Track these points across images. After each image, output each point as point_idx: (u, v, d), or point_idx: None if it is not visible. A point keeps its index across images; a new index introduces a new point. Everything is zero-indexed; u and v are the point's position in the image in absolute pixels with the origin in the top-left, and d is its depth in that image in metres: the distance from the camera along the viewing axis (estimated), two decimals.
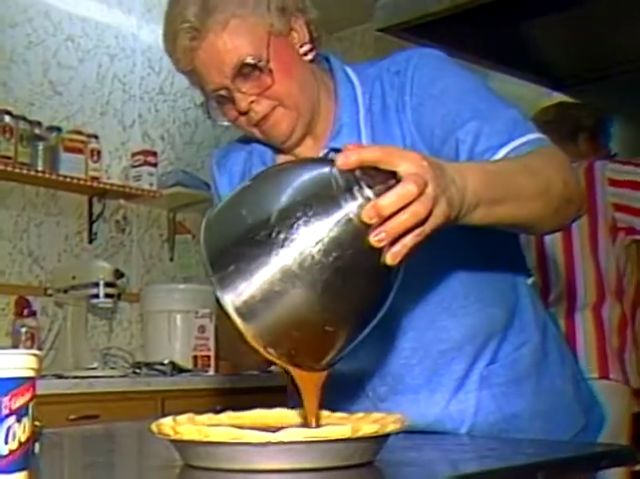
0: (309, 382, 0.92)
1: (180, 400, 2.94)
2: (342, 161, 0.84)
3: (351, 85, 1.29)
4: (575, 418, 1.32)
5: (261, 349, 0.87)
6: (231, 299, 0.85)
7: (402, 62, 1.25)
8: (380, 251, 0.84)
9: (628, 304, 2.34)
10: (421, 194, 0.82)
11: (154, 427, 0.92)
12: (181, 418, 0.97)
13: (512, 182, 1.00)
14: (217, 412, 1.04)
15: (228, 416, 1.04)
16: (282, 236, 0.84)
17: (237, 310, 0.85)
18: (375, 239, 0.83)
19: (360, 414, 1.00)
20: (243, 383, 3.20)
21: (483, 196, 0.94)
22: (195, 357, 3.33)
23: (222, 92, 1.24)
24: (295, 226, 0.84)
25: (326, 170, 0.87)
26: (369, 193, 0.84)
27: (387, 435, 0.89)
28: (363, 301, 0.89)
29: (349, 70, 1.31)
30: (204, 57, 1.22)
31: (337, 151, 1.26)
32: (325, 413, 1.03)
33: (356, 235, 0.84)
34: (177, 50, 1.24)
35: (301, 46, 1.26)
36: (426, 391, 1.24)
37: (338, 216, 0.84)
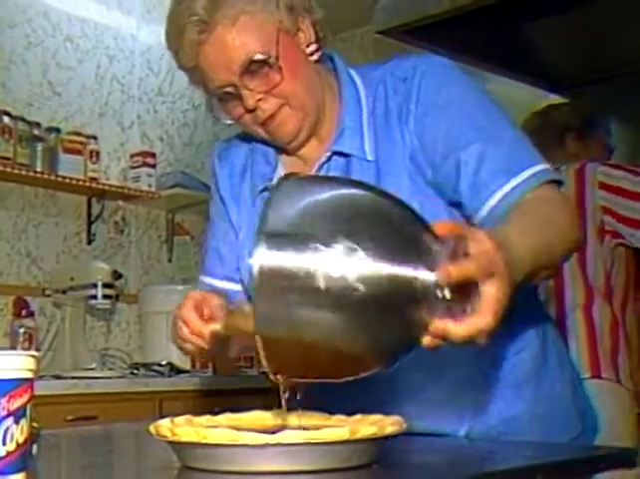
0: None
1: (178, 401, 2.94)
2: (443, 278, 0.84)
3: (354, 87, 1.28)
4: (573, 422, 1.32)
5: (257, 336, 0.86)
6: (261, 269, 0.84)
7: (409, 69, 1.24)
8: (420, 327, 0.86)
9: (617, 305, 2.35)
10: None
11: (151, 429, 0.92)
12: (179, 420, 0.97)
13: (549, 256, 1.06)
14: (215, 414, 1.04)
15: (226, 418, 1.04)
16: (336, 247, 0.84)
17: (259, 280, 0.84)
18: (429, 343, 0.88)
19: (358, 416, 1.00)
20: (241, 384, 3.20)
21: (526, 278, 0.98)
22: (194, 358, 3.32)
23: (228, 89, 1.23)
24: (360, 248, 0.84)
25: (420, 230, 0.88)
26: (441, 305, 0.85)
27: (385, 437, 0.89)
28: (377, 354, 0.89)
29: (353, 72, 1.30)
30: (211, 52, 1.21)
31: (340, 154, 1.25)
32: (324, 415, 1.03)
33: (412, 305, 0.85)
34: (184, 44, 1.22)
35: (307, 46, 1.26)
36: (425, 394, 1.24)
37: (405, 276, 0.84)
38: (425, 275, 0.85)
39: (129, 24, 3.74)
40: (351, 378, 0.92)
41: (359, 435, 0.85)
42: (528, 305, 1.30)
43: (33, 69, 3.41)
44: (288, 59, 1.21)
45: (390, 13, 2.72)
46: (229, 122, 1.29)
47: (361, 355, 0.88)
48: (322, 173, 1.27)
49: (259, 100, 1.22)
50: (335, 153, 1.26)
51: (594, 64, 3.01)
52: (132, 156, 3.60)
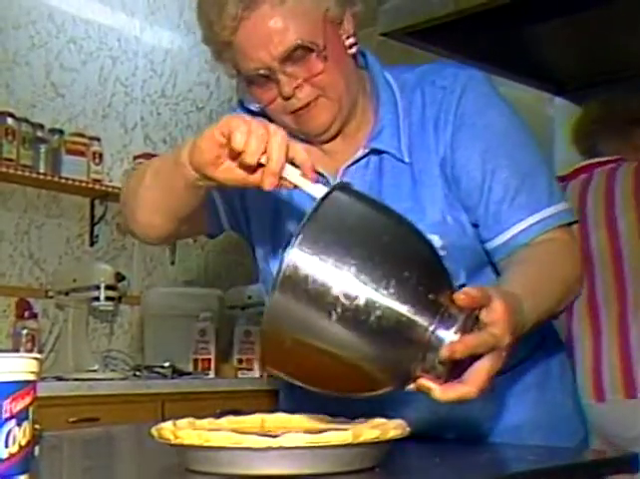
0: None
1: (181, 403, 2.94)
2: (447, 354, 0.86)
3: (390, 88, 1.25)
4: (576, 430, 1.32)
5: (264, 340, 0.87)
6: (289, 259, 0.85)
7: (449, 77, 1.22)
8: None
9: None
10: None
11: (154, 431, 0.92)
12: (182, 422, 0.97)
13: (553, 310, 1.09)
14: (218, 416, 1.04)
15: (229, 420, 1.04)
16: (366, 273, 0.85)
17: (285, 272, 0.85)
18: (415, 388, 0.90)
19: (361, 420, 1.00)
20: (243, 387, 3.20)
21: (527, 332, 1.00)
22: (196, 361, 3.32)
23: (264, 71, 1.16)
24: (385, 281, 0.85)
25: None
26: (441, 370, 0.87)
27: (388, 441, 0.89)
28: (367, 380, 0.90)
29: (387, 74, 1.27)
30: (253, 31, 1.14)
31: (377, 152, 1.23)
32: (326, 418, 1.03)
33: (415, 346, 0.86)
34: (224, 17, 1.13)
35: (347, 38, 1.21)
36: (426, 400, 1.23)
37: (414, 337, 0.86)
38: (435, 334, 0.86)
39: (132, 26, 3.74)
40: (339, 394, 0.94)
41: (362, 439, 0.85)
42: None
43: (36, 70, 3.41)
44: (332, 49, 1.17)
45: (394, 15, 2.72)
46: (255, 108, 1.23)
47: (353, 378, 0.89)
48: (354, 169, 1.23)
49: (297, 87, 1.16)
50: (372, 151, 1.23)
51: (600, 67, 3.00)
52: (135, 157, 3.60)
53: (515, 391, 1.26)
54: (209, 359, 3.32)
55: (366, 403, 1.25)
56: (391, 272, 0.86)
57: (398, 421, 0.93)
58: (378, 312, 0.85)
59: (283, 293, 0.85)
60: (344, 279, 0.85)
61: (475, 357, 0.89)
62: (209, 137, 1.00)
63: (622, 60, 2.91)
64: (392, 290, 0.85)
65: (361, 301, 0.84)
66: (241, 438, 0.84)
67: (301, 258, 0.85)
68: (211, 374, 3.30)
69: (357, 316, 0.84)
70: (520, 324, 0.95)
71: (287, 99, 1.17)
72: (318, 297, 0.85)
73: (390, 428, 0.89)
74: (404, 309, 0.85)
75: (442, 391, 0.88)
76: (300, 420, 1.04)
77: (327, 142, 1.24)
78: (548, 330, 1.33)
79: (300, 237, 0.86)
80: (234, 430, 0.88)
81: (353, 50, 1.22)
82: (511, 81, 3.05)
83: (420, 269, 0.89)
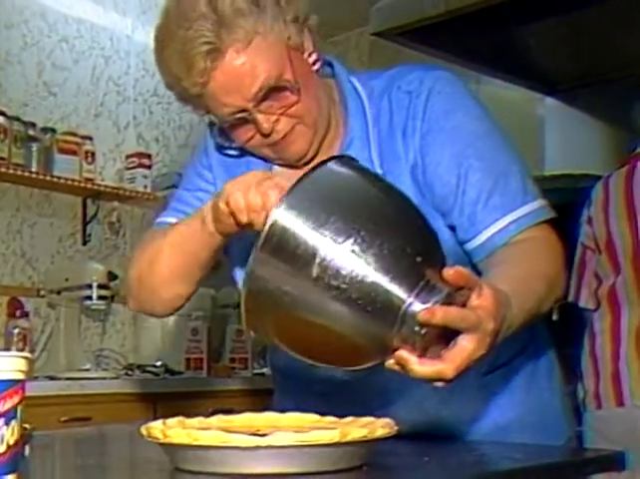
0: None
1: (173, 402, 2.94)
2: (425, 317, 0.86)
3: (359, 97, 1.25)
4: (563, 429, 1.33)
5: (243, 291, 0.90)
6: (272, 224, 0.87)
7: (414, 81, 1.21)
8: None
9: None
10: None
11: (143, 430, 0.92)
12: (171, 421, 0.97)
13: (538, 309, 1.08)
14: (208, 416, 1.04)
15: (218, 419, 1.04)
16: (340, 239, 0.86)
17: (266, 238, 0.87)
18: (389, 366, 0.90)
19: (349, 418, 1.00)
20: (235, 386, 3.20)
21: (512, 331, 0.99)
22: (188, 360, 3.32)
23: (240, 114, 1.16)
24: (359, 245, 0.86)
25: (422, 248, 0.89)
26: (419, 341, 0.87)
27: (376, 440, 0.89)
28: (348, 353, 0.91)
29: (355, 81, 1.26)
30: (222, 79, 1.13)
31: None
32: (315, 417, 1.04)
33: (388, 330, 0.87)
34: (193, 74, 1.13)
35: (309, 55, 1.21)
36: (417, 399, 1.23)
37: (391, 309, 0.86)
38: (413, 305, 0.86)
39: (124, 25, 3.73)
40: (320, 363, 0.95)
41: (350, 438, 0.85)
42: None
43: (29, 69, 3.41)
44: (301, 76, 1.17)
45: (386, 15, 2.72)
46: (234, 152, 1.26)
47: (332, 344, 0.90)
48: None
49: (274, 122, 1.17)
50: None
51: (591, 66, 3.00)
52: (127, 157, 3.60)
53: (503, 390, 1.26)
54: (202, 359, 3.31)
55: (354, 405, 1.26)
56: (374, 236, 0.86)
57: (386, 420, 0.93)
58: (356, 276, 0.85)
59: (265, 252, 0.87)
60: (324, 241, 0.86)
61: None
62: (221, 212, 1.10)
63: (614, 60, 2.91)
64: (372, 254, 0.85)
65: (338, 263, 0.85)
66: (230, 437, 0.84)
67: (284, 217, 0.87)
68: (204, 373, 3.30)
69: (334, 279, 0.85)
70: (508, 320, 0.95)
71: (267, 135, 1.18)
72: (298, 257, 0.86)
73: (378, 427, 0.90)
74: (384, 274, 0.86)
75: (419, 364, 0.88)
76: (289, 419, 1.04)
77: (307, 164, 1.23)
78: (537, 329, 1.33)
79: (286, 197, 0.88)
80: (223, 429, 0.88)
81: (317, 66, 1.22)
82: (502, 80, 3.06)
83: (407, 237, 0.89)
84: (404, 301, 0.86)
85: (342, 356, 0.92)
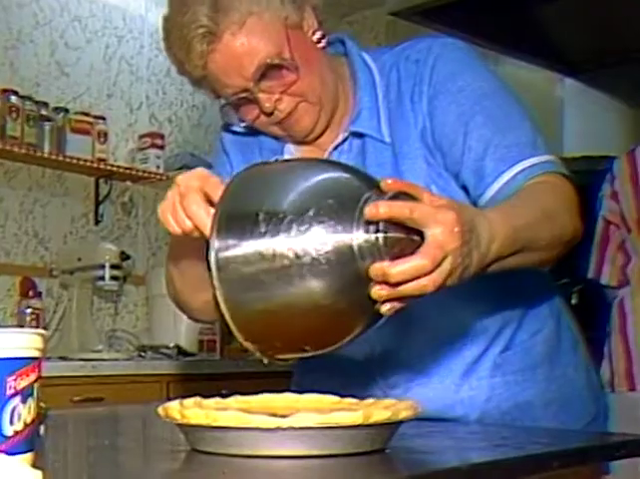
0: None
1: (186, 384, 2.94)
2: (370, 212, 0.83)
3: (369, 71, 1.26)
4: (587, 407, 1.31)
5: (226, 314, 0.90)
6: (217, 255, 0.88)
7: (422, 50, 1.22)
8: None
9: None
10: (437, 267, 0.83)
11: (160, 410, 0.91)
12: (189, 402, 0.95)
13: (534, 236, 1.02)
14: (224, 396, 1.02)
15: (236, 400, 1.02)
16: (281, 228, 0.86)
17: (217, 266, 0.88)
18: (375, 294, 0.85)
19: (371, 400, 0.98)
20: (249, 368, 3.19)
21: (504, 253, 0.96)
22: (201, 341, 3.32)
23: (243, 94, 1.20)
24: (299, 224, 0.86)
25: (356, 187, 0.88)
26: (381, 240, 0.84)
27: (399, 422, 0.87)
28: (340, 324, 0.90)
29: (366, 56, 1.28)
30: (221, 60, 1.17)
31: (356, 135, 1.23)
32: (335, 399, 1.02)
33: (353, 265, 0.85)
34: (192, 57, 1.18)
35: (313, 34, 1.23)
36: (436, 376, 1.23)
37: (344, 238, 0.85)
38: (361, 231, 0.85)
39: (137, 4, 3.71)
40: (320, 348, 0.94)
41: (372, 420, 0.83)
42: (542, 288, 1.29)
43: (41, 49, 3.39)
44: (301, 55, 1.19)
45: None
46: (241, 129, 1.28)
47: (320, 324, 0.89)
48: (337, 154, 1.25)
49: (276, 101, 1.19)
50: (352, 134, 1.24)
51: (611, 47, 2.97)
52: (140, 137, 3.58)
53: (526, 367, 1.25)
54: (215, 340, 3.31)
55: (376, 384, 1.24)
56: (305, 210, 0.86)
57: (409, 402, 0.91)
58: (305, 253, 0.85)
59: (224, 283, 0.88)
60: (267, 242, 0.86)
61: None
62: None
63: (635, 40, 2.87)
64: (310, 219, 0.85)
65: (288, 251, 0.85)
66: (250, 418, 0.82)
67: (223, 248, 0.88)
68: (217, 355, 3.30)
69: (291, 266, 0.85)
70: (484, 224, 0.91)
71: (270, 114, 1.20)
72: (255, 270, 0.87)
73: (401, 409, 0.88)
74: (326, 229, 0.85)
75: (393, 265, 0.83)
76: (308, 401, 1.03)
77: (317, 139, 1.26)
78: (558, 304, 1.32)
79: (215, 229, 0.89)
80: (242, 410, 0.86)
81: (322, 44, 1.24)
82: (521, 61, 3.02)
83: (334, 192, 0.88)
84: (351, 232, 0.85)
85: (333, 329, 0.91)
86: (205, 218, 0.99)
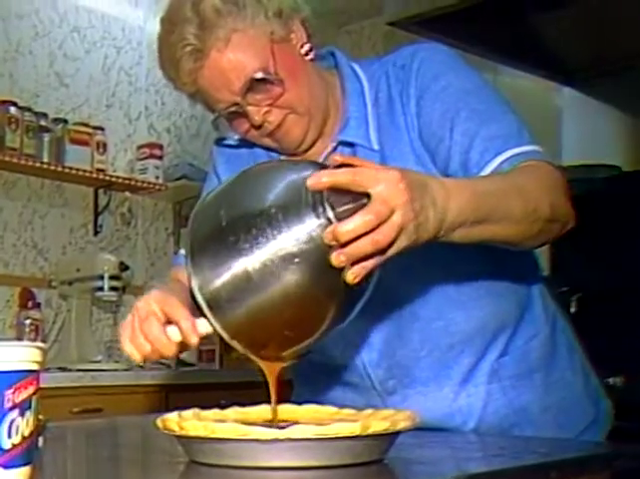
0: (269, 374, 0.98)
1: (185, 394, 2.93)
2: (312, 181, 0.86)
3: (358, 80, 1.28)
4: (585, 411, 1.31)
5: (228, 339, 0.93)
6: (201, 292, 0.91)
7: (408, 56, 1.25)
8: (341, 269, 0.87)
9: None
10: (385, 221, 0.84)
11: (159, 422, 0.91)
12: (187, 413, 0.95)
13: (500, 203, 1.01)
14: (223, 407, 1.02)
15: (234, 411, 1.02)
16: (247, 245, 0.88)
17: (207, 303, 0.91)
18: (335, 259, 0.85)
19: (369, 411, 0.98)
20: (248, 378, 3.18)
21: (467, 217, 0.95)
22: (200, 351, 3.32)
23: (233, 108, 1.22)
24: (259, 236, 0.88)
25: (300, 181, 0.89)
26: (331, 214, 0.86)
27: (397, 433, 0.87)
28: (321, 313, 0.92)
29: (355, 66, 1.30)
30: (210, 76, 1.20)
31: (346, 144, 1.24)
32: (333, 409, 1.02)
33: (317, 251, 0.87)
34: (181, 75, 1.21)
35: (301, 46, 1.25)
36: (434, 384, 1.23)
37: (300, 232, 0.87)
38: (314, 225, 0.87)
39: (136, 15, 3.72)
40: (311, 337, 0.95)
41: (371, 430, 0.83)
42: (536, 293, 1.29)
43: (40, 60, 3.40)
44: (286, 68, 1.21)
45: (400, 4, 2.69)
46: (234, 142, 1.31)
47: (306, 312, 0.91)
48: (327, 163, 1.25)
49: (265, 113, 1.21)
50: (340, 143, 1.26)
51: (608, 56, 2.97)
52: (139, 147, 3.59)
53: (523, 372, 1.25)
54: (214, 350, 3.31)
55: (376, 393, 1.25)
56: (261, 223, 0.88)
57: (407, 412, 0.91)
58: (278, 261, 0.87)
59: (216, 311, 0.92)
60: (239, 259, 0.89)
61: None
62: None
63: (632, 48, 2.87)
64: (274, 234, 0.87)
65: (268, 260, 0.87)
66: (248, 430, 0.82)
67: (204, 282, 0.91)
68: (216, 365, 3.29)
69: (270, 277, 0.88)
70: (436, 185, 0.91)
71: (259, 126, 1.23)
72: (236, 290, 0.90)
73: (399, 420, 0.88)
74: (290, 238, 0.87)
75: (339, 224, 0.84)
76: (307, 411, 1.03)
77: (308, 151, 1.28)
78: (553, 309, 1.32)
79: (190, 262, 0.92)
80: (240, 421, 0.86)
81: (310, 56, 1.26)
82: (519, 70, 3.03)
83: (282, 192, 0.90)
84: (304, 222, 0.87)
85: (323, 315, 0.92)
86: (166, 341, 1.04)
